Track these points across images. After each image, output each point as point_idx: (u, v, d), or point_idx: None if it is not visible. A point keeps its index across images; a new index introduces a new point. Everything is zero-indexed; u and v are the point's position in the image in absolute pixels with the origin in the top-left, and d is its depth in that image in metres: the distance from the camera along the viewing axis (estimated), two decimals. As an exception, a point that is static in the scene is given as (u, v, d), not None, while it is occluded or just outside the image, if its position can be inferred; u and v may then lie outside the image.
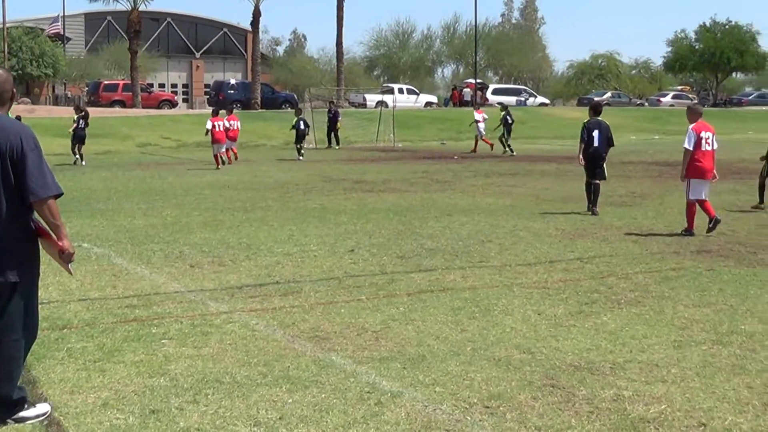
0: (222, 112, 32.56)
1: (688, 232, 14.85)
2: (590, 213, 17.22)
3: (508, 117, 38.11)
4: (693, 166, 14.98)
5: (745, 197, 20.24)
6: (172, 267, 11.97)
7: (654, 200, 19.68)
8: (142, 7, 64.94)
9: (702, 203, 14.95)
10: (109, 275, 11.37)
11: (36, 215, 6.11)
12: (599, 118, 17.74)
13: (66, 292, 10.30)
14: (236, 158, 32.01)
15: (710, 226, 14.73)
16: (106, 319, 9.08)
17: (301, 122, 36.00)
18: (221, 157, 30.00)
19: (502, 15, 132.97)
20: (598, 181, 17.53)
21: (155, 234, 14.76)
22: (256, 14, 65.96)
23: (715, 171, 15.17)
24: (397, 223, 16.12)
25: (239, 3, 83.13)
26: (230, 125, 31.51)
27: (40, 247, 6.20)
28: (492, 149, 37.84)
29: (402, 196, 20.54)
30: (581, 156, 17.49)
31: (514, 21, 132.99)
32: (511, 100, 72.15)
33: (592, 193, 17.52)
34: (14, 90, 6.21)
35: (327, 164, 31.60)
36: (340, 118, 42.95)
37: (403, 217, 16.82)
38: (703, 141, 14.93)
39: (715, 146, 15.12)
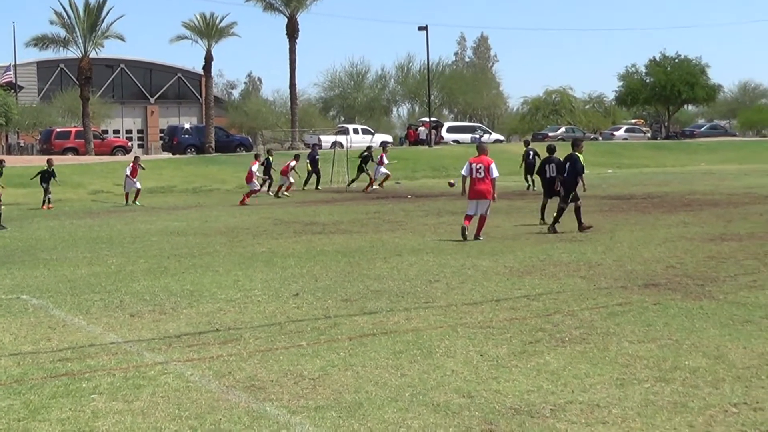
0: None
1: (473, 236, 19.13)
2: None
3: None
4: (469, 189, 19.33)
5: (696, 229, 20.26)
6: (110, 317, 11.69)
7: (604, 235, 19.63)
8: (93, 54, 64.62)
9: (468, 218, 19.24)
10: (45, 327, 11.09)
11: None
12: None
13: (-2, 347, 10.01)
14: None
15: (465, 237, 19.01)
16: (35, 375, 8.80)
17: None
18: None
19: (456, 54, 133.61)
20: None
21: (97, 283, 14.47)
22: (208, 59, 66.00)
23: (494, 194, 19.21)
24: (344, 264, 15.93)
25: (192, 48, 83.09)
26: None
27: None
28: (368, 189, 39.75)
29: (352, 238, 20.37)
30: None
31: (467, 59, 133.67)
32: (465, 137, 72.37)
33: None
34: None
35: (279, 207, 31.39)
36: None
37: (351, 259, 16.63)
38: (474, 170, 19.10)
39: (495, 175, 19.08)
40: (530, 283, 13.57)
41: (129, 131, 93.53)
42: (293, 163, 38.54)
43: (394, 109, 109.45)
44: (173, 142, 64.94)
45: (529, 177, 37.28)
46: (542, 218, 22.21)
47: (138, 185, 35.37)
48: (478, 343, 9.65)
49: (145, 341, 10.23)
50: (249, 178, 36.26)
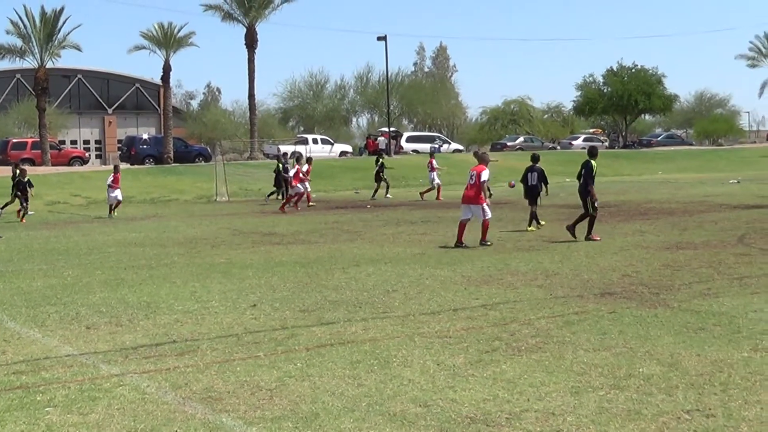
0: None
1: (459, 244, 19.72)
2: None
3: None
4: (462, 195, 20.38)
5: (651, 237, 20.44)
6: (66, 329, 11.61)
7: (561, 244, 19.74)
8: (50, 65, 64.18)
9: (461, 223, 20.02)
10: (-1, 340, 11.00)
11: None
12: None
13: (-49, 361, 9.91)
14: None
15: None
16: (-11, 388, 8.72)
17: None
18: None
19: (415, 64, 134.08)
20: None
21: (53, 295, 14.36)
22: (167, 69, 65.77)
23: (485, 198, 19.91)
24: (302, 275, 15.93)
25: (150, 58, 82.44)
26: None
27: None
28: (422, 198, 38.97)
29: (310, 248, 20.36)
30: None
31: (426, 69, 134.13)
32: (424, 147, 72.56)
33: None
34: None
35: (238, 217, 31.31)
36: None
37: (309, 269, 16.63)
38: (468, 177, 20.21)
39: (483, 179, 19.76)
40: (487, 292, 13.63)
41: (87, 142, 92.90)
42: (306, 167, 36.68)
43: (354, 119, 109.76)
44: (131, 152, 64.63)
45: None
46: (537, 224, 23.33)
47: (119, 196, 34.41)
48: (435, 353, 9.69)
49: (101, 353, 10.17)
50: (296, 181, 34.98)
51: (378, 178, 40.90)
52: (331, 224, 26.86)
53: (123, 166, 58.69)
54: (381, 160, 41.63)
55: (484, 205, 19.79)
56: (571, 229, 20.44)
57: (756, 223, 23.51)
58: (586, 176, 20.45)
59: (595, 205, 20.32)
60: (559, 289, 13.81)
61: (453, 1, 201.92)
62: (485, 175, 19.84)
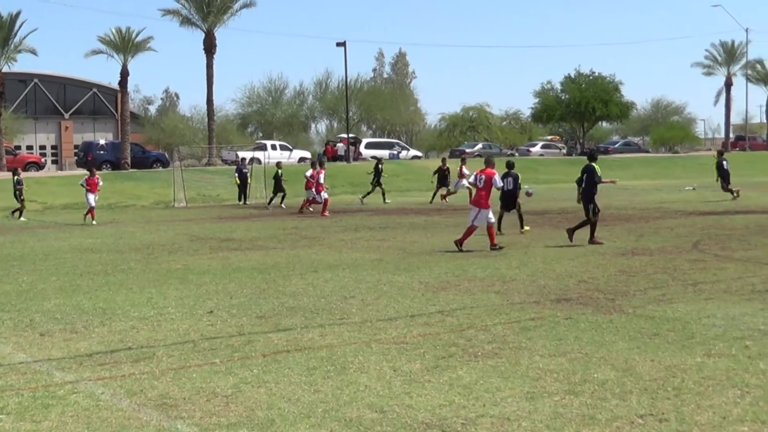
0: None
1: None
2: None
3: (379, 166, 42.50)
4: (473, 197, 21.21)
5: (608, 243, 20.56)
6: (20, 336, 11.51)
7: (518, 250, 19.85)
8: (6, 69, 63.58)
9: (470, 228, 20.13)
10: (-49, 348, 10.87)
11: None
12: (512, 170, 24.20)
13: None
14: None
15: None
16: (-59, 396, 8.62)
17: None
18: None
19: (374, 70, 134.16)
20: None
21: (7, 302, 14.21)
22: (124, 73, 65.32)
23: (480, 201, 20.10)
24: (260, 281, 15.89)
25: (108, 63, 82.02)
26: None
27: None
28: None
29: (268, 254, 20.31)
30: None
31: (385, 75, 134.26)
32: (384, 153, 72.66)
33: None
34: None
35: (196, 223, 31.15)
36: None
37: (267, 275, 16.59)
38: (477, 180, 20.45)
39: (498, 185, 20.91)
40: (445, 298, 13.67)
41: (43, 147, 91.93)
42: (321, 172, 34.69)
43: (313, 125, 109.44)
44: (88, 158, 63.92)
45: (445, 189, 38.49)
46: (499, 229, 22.77)
47: (92, 202, 33.05)
48: (391, 359, 9.71)
49: (55, 360, 10.09)
50: (309, 185, 34.40)
51: (378, 183, 41.69)
52: (289, 230, 26.82)
53: (79, 172, 58.32)
54: (380, 166, 41.97)
55: (489, 211, 20.08)
56: (570, 232, 20.88)
57: (710, 229, 23.77)
58: (589, 181, 20.81)
59: (596, 210, 20.69)
60: (515, 295, 13.88)
61: (412, 8, 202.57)
62: (500, 182, 20.86)
